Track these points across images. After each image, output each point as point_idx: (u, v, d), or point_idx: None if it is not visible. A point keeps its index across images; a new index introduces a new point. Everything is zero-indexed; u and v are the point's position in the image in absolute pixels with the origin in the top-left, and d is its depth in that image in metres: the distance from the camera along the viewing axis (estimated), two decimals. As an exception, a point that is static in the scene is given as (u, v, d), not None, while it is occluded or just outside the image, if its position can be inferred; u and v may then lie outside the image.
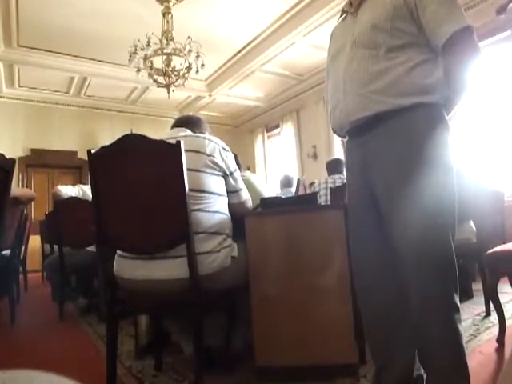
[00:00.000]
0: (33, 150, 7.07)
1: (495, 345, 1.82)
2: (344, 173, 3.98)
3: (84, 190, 3.33)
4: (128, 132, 1.49)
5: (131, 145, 1.35)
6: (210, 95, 7.41)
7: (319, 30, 5.15)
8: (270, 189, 5.87)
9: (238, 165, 2.64)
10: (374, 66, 1.18)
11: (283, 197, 2.45)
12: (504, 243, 2.25)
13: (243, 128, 9.25)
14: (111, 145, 1.36)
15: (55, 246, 3.26)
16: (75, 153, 7.29)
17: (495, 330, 1.93)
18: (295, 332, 1.58)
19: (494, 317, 2.20)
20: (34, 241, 5.02)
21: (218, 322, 1.67)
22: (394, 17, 1.16)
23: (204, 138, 1.56)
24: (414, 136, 1.15)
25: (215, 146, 1.54)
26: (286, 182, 5.44)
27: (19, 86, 6.67)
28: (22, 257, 4.04)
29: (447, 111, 1.20)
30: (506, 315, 1.93)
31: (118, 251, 1.52)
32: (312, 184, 4.51)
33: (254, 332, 1.61)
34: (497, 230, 2.98)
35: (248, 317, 1.63)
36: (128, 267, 1.46)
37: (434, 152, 1.14)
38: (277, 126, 8.25)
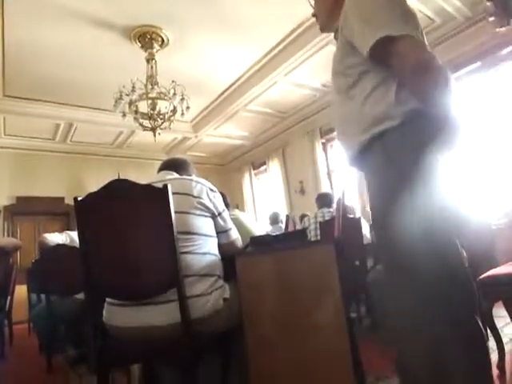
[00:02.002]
0: (18, 198, 6.99)
1: (496, 371, 1.79)
2: (333, 206, 4.02)
3: (71, 237, 3.28)
4: (115, 176, 1.51)
5: (118, 190, 1.35)
6: (196, 136, 7.52)
7: (299, 69, 5.36)
8: (260, 226, 5.89)
9: (227, 204, 2.65)
10: (341, 109, 1.22)
11: (273, 234, 2.45)
12: (494, 267, 2.26)
13: (230, 167, 9.34)
14: (98, 191, 1.36)
15: (42, 296, 3.17)
16: (62, 199, 7.23)
17: (494, 356, 1.89)
18: (292, 371, 1.53)
19: (492, 343, 2.17)
20: (20, 290, 4.86)
21: (213, 365, 1.62)
22: (342, 58, 1.20)
23: (191, 179, 1.57)
24: (374, 172, 1.16)
25: (202, 187, 1.55)
26: (275, 219, 5.48)
27: (4, 135, 6.69)
28: (7, 308, 3.90)
29: (434, 123, 1.05)
30: (505, 340, 1.91)
31: (107, 298, 1.48)
32: (304, 217, 4.53)
33: (250, 373, 1.56)
34: (487, 255, 3.00)
35: (243, 358, 1.58)
36: (118, 314, 1.43)
37: (390, 184, 1.09)
38: (263, 164, 8.36)
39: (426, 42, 1.13)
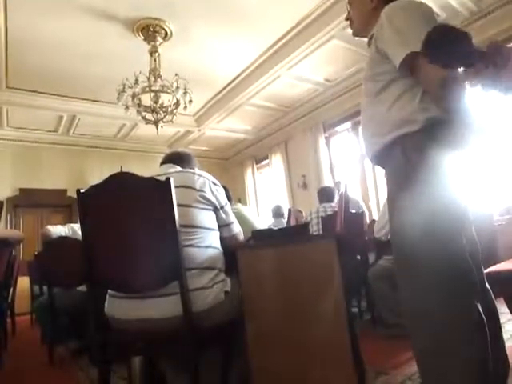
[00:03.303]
0: (21, 190, 7.01)
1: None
2: (335, 200, 4.01)
3: (74, 229, 3.30)
4: (118, 169, 1.51)
5: (120, 183, 1.35)
6: (199, 130, 7.51)
7: (302, 63, 5.32)
8: (262, 220, 5.90)
9: (229, 198, 2.66)
10: (368, 112, 1.34)
11: (275, 227, 2.46)
12: (495, 264, 2.26)
13: (233, 161, 9.33)
14: (100, 184, 1.36)
15: (45, 287, 3.18)
16: (65, 191, 7.25)
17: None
18: (293, 364, 1.54)
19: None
20: (23, 282, 4.90)
21: (214, 358, 1.63)
22: (372, 65, 1.31)
23: (193, 173, 1.57)
24: (393, 171, 1.27)
25: (205, 180, 1.55)
26: (277, 212, 5.49)
27: (7, 126, 6.69)
28: (10, 299, 3.92)
29: (451, 129, 1.19)
30: (506, 336, 1.91)
31: (109, 291, 1.49)
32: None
33: (250, 366, 1.57)
34: (489, 251, 3.00)
35: (244, 351, 1.59)
36: (120, 307, 1.44)
37: (406, 184, 1.20)
38: (266, 158, 8.35)
39: None
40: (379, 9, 1.31)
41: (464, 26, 4.49)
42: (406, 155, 1.21)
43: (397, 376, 1.98)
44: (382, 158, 1.32)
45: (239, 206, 2.91)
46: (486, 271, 1.86)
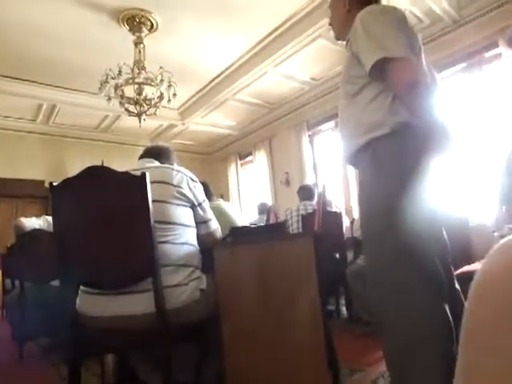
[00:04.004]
0: (-4, 179, 6.82)
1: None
2: (315, 199, 4.03)
3: (49, 222, 3.21)
4: (99, 161, 1.48)
5: (95, 177, 1.32)
6: (183, 124, 7.43)
7: (289, 61, 5.31)
8: (245, 216, 5.89)
9: (210, 193, 2.64)
10: (344, 114, 1.37)
11: (253, 225, 2.45)
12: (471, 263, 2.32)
13: (216, 156, 9.27)
14: (74, 177, 1.33)
15: (17, 282, 3.10)
16: (42, 182, 7.07)
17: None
18: (268, 362, 1.54)
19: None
20: (-5, 275, 4.77)
21: (188, 355, 1.61)
22: (348, 68, 1.34)
23: (172, 168, 1.55)
24: (364, 173, 1.34)
25: (183, 176, 1.53)
26: (263, 209, 5.52)
27: (-17, 113, 6.49)
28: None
29: (420, 134, 1.20)
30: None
31: (81, 287, 1.46)
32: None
33: (225, 365, 1.56)
34: (465, 253, 3.08)
35: (219, 348, 1.58)
36: (92, 303, 1.41)
37: (375, 186, 1.25)
38: (250, 154, 8.32)
39: (423, 54, 1.32)
40: (353, 12, 1.35)
41: (446, 32, 4.58)
42: (375, 157, 1.25)
43: (371, 373, 2.01)
44: (355, 158, 1.36)
45: (221, 201, 2.88)
46: (458, 271, 1.91)
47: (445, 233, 1.40)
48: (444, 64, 4.46)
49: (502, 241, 0.34)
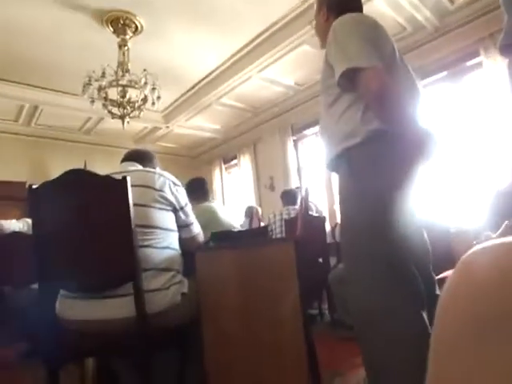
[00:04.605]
0: (-25, 180, 6.66)
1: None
2: (298, 204, 4.06)
3: (29, 224, 3.15)
4: (82, 163, 1.47)
5: (74, 180, 1.31)
6: (167, 126, 7.38)
7: (273, 66, 5.34)
8: (235, 219, 5.90)
9: (207, 191, 2.65)
10: (322, 122, 1.41)
11: (244, 227, 2.46)
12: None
13: (201, 159, 9.24)
14: (53, 180, 1.32)
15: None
16: (23, 184, 6.93)
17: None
18: (249, 366, 1.55)
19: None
20: (-26, 279, 4.65)
21: (169, 362, 1.61)
22: (325, 78, 1.36)
23: (154, 172, 1.55)
24: (341, 180, 1.35)
25: (165, 180, 1.53)
26: (249, 213, 5.56)
27: (-37, 114, 6.34)
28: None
29: (392, 141, 1.20)
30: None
31: (61, 290, 1.44)
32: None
33: (207, 369, 1.56)
34: (447, 259, 3.13)
35: (201, 352, 1.58)
36: (72, 307, 1.39)
37: (350, 193, 1.29)
38: (234, 158, 8.32)
39: (398, 60, 1.33)
40: (331, 21, 1.36)
41: (428, 40, 4.66)
42: (350, 166, 1.27)
43: (352, 377, 2.03)
44: (334, 165, 1.39)
45: (215, 205, 2.85)
46: (438, 277, 1.94)
47: (427, 238, 1.43)
48: (426, 72, 4.54)
49: (467, 253, 0.36)
